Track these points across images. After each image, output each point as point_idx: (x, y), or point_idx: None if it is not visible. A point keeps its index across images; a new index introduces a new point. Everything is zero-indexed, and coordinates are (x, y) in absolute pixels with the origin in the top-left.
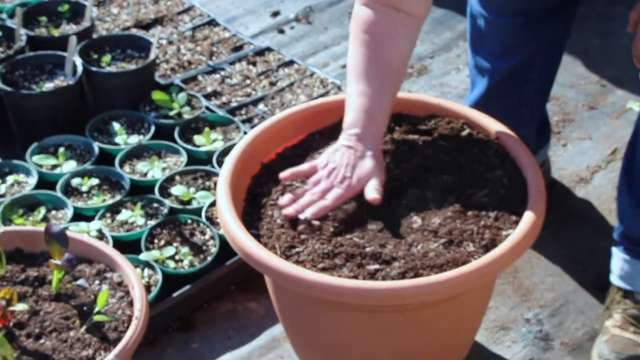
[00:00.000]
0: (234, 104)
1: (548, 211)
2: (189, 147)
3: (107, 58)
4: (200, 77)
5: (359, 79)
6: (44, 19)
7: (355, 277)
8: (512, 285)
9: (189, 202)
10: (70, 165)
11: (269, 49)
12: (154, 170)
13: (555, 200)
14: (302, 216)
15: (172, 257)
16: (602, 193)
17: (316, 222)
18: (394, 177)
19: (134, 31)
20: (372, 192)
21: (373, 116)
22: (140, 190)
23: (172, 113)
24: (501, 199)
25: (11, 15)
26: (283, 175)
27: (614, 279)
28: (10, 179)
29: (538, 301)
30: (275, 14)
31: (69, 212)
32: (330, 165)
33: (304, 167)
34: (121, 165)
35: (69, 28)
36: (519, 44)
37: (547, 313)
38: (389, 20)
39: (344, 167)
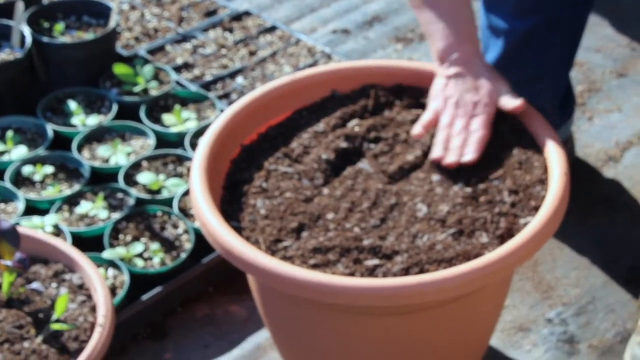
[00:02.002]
0: (208, 78)
1: (572, 195)
2: (157, 128)
3: (60, 26)
4: (168, 47)
5: (429, 2)
6: None
7: (352, 274)
8: (531, 281)
9: (158, 191)
10: (20, 151)
11: (247, 13)
12: (117, 155)
13: (580, 182)
14: (465, 159)
15: (140, 255)
16: (634, 173)
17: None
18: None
19: None
20: (511, 100)
21: (466, 34)
22: (101, 179)
23: (136, 89)
24: (518, 182)
25: None
26: (417, 132)
27: None
28: None
29: (561, 298)
30: None
31: (20, 205)
32: (451, 101)
33: (429, 115)
34: (79, 150)
35: None
36: (540, 0)
37: (572, 312)
38: None
39: (467, 94)
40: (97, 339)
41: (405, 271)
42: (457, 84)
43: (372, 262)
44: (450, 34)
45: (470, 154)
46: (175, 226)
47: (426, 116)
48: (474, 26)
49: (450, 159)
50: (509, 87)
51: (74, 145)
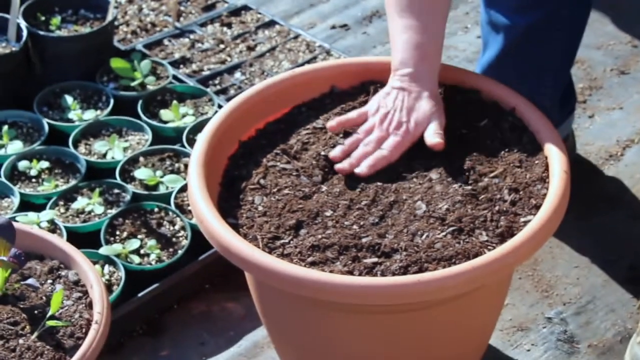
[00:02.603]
0: (206, 73)
1: (573, 193)
2: (154, 123)
3: (56, 20)
4: (166, 42)
5: (402, 12)
6: None
7: (350, 272)
8: (531, 280)
9: (155, 187)
10: (16, 146)
11: (246, 8)
12: (114, 150)
13: (581, 180)
14: (357, 171)
15: (136, 251)
16: (635, 171)
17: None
18: None
19: None
20: (433, 136)
21: (426, 52)
22: (98, 174)
23: (134, 84)
24: (518, 180)
25: None
26: (330, 124)
27: None
28: None
29: (561, 297)
30: None
31: (15, 200)
32: (382, 111)
33: (353, 114)
34: (75, 145)
35: None
36: None
37: (572, 311)
38: None
39: (399, 112)
40: (93, 336)
41: (404, 269)
42: (396, 98)
43: (370, 260)
44: (411, 49)
45: (363, 168)
46: (172, 223)
47: (351, 115)
48: (440, 45)
49: (343, 165)
50: (442, 122)
51: (71, 140)
